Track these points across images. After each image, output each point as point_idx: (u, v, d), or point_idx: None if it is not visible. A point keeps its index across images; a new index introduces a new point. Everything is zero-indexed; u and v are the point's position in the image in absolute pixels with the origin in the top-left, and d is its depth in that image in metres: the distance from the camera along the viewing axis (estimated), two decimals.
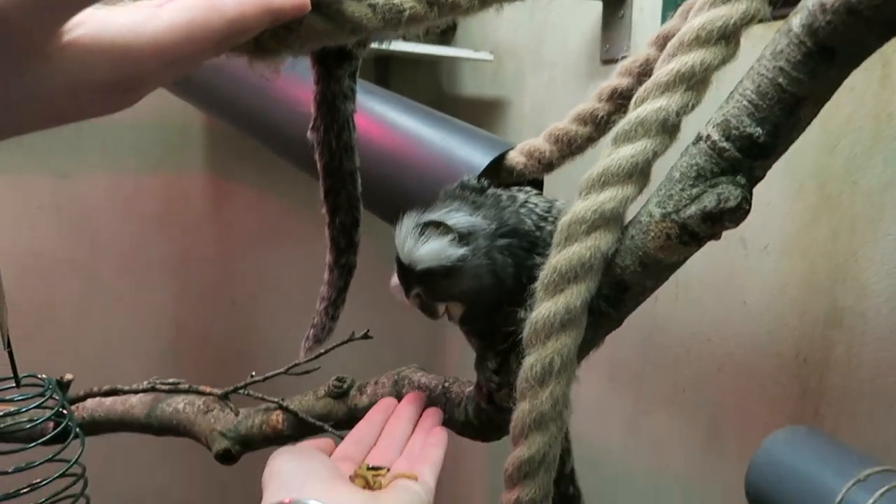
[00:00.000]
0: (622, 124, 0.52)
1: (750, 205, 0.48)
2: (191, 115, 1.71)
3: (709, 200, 0.48)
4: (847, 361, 1.01)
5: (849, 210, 0.99)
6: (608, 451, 1.45)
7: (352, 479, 0.59)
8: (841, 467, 0.84)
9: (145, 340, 1.78)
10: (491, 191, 0.68)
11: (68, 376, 1.02)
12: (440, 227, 0.62)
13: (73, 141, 1.64)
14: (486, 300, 0.65)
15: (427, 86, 1.90)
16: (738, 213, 0.48)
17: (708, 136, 0.49)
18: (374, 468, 0.62)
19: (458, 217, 0.63)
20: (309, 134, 0.73)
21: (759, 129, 0.47)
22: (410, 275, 0.64)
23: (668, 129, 0.51)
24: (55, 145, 1.62)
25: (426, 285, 0.65)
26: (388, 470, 0.62)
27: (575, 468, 0.83)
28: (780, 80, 0.45)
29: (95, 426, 1.06)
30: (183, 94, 1.30)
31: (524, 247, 0.64)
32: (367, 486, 0.58)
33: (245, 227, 1.87)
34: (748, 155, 0.48)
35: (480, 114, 1.77)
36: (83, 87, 0.38)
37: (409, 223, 0.63)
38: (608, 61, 1.36)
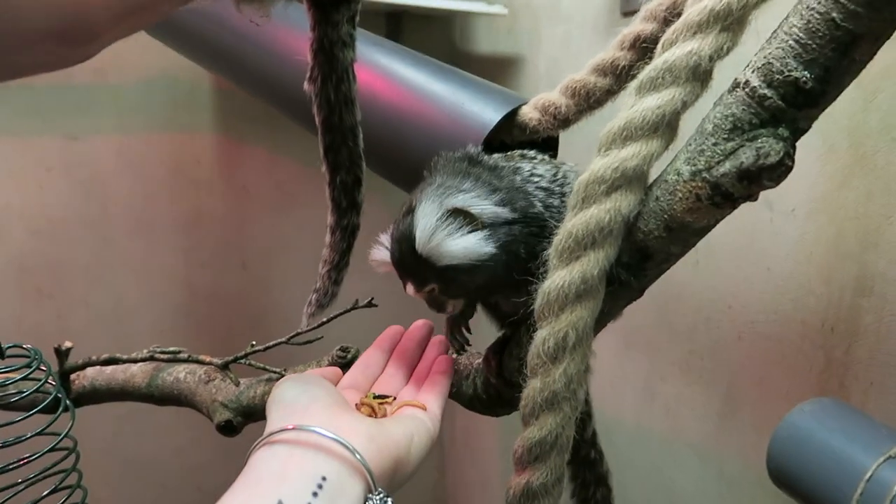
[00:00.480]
0: (648, 71, 0.46)
1: (793, 161, 0.42)
2: (199, 74, 1.68)
3: (746, 156, 0.42)
4: (877, 331, 0.96)
5: (885, 170, 0.93)
6: (622, 418, 1.42)
7: (358, 407, 0.58)
8: (871, 443, 0.81)
9: (156, 302, 1.79)
10: (502, 165, 0.63)
11: (67, 344, 1.00)
12: (467, 217, 0.56)
13: (82, 102, 1.64)
14: (492, 290, 0.62)
15: (439, 43, 1.85)
16: (779, 171, 0.42)
17: (746, 83, 0.43)
18: (380, 397, 0.61)
19: (484, 206, 0.57)
20: (306, 85, 0.68)
21: (806, 73, 0.41)
22: (428, 269, 0.58)
23: (699, 75, 0.45)
24: (64, 107, 1.62)
25: (444, 281, 0.59)
26: (395, 398, 0.61)
27: (596, 431, 0.80)
28: (834, 14, 0.39)
29: (96, 395, 1.04)
30: (177, 47, 1.25)
31: (534, 232, 0.59)
32: (373, 414, 0.57)
33: (256, 189, 1.86)
34: (792, 103, 0.42)
35: (494, 71, 1.71)
36: (22, 37, 0.33)
37: (430, 209, 0.57)
38: (629, 13, 1.28)
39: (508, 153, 0.66)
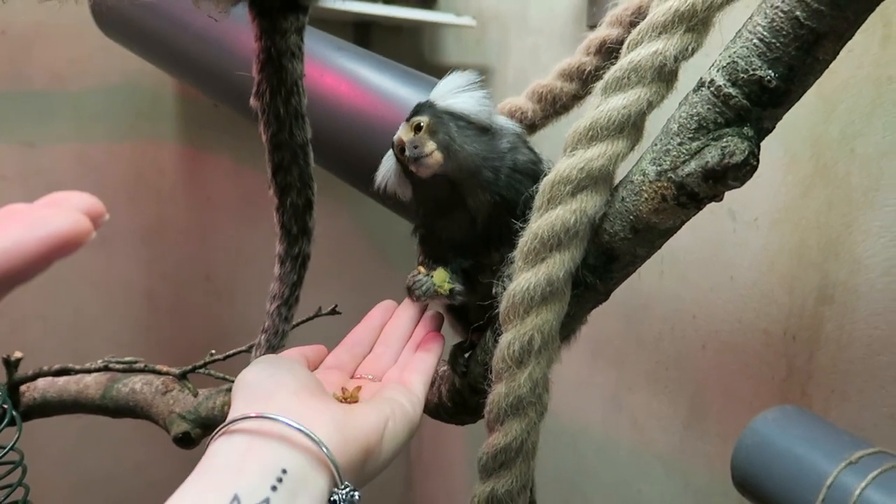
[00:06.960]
0: (613, 71, 0.46)
1: (758, 160, 0.42)
2: (162, 81, 1.65)
3: (711, 155, 0.42)
4: (838, 339, 0.97)
5: (844, 180, 0.94)
6: (588, 428, 1.42)
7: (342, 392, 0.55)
8: (832, 449, 0.82)
9: (116, 316, 1.74)
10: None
11: (17, 354, 0.96)
12: (487, 96, 0.62)
13: (41, 109, 1.59)
14: (464, 183, 0.59)
15: (408, 54, 1.85)
16: (744, 170, 0.42)
17: (711, 82, 0.43)
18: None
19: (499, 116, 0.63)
20: (252, 101, 0.64)
21: (770, 72, 0.41)
22: (427, 106, 0.61)
23: (664, 76, 0.45)
24: (21, 114, 1.57)
25: (434, 118, 0.60)
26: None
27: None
28: (798, 12, 0.39)
29: (48, 408, 1.00)
30: (140, 51, 1.22)
31: (525, 181, 0.59)
32: (349, 397, 0.54)
33: (221, 199, 1.82)
34: (757, 102, 0.42)
35: None
36: None
37: (462, 79, 0.63)
38: (595, 26, 1.29)
39: None
